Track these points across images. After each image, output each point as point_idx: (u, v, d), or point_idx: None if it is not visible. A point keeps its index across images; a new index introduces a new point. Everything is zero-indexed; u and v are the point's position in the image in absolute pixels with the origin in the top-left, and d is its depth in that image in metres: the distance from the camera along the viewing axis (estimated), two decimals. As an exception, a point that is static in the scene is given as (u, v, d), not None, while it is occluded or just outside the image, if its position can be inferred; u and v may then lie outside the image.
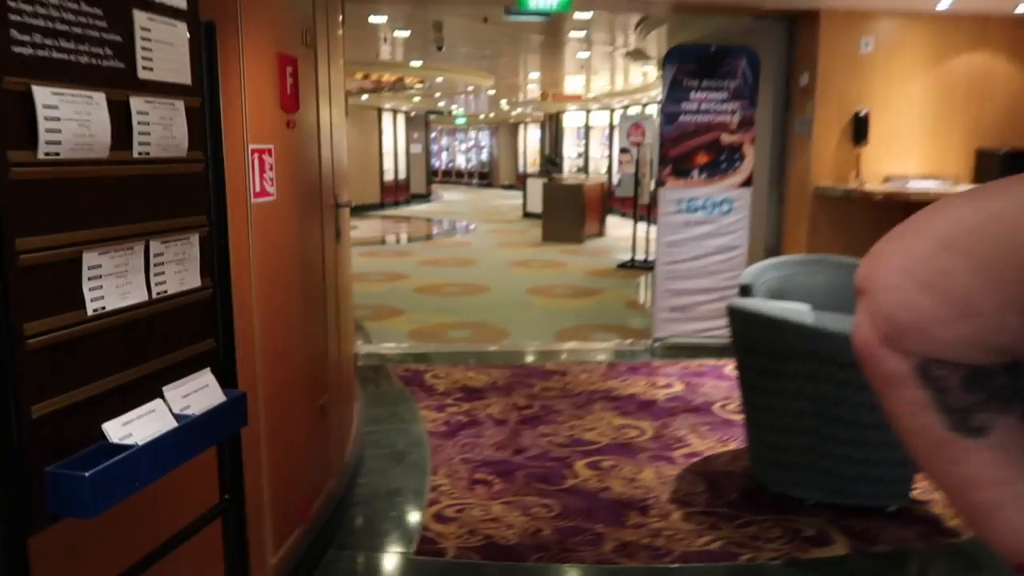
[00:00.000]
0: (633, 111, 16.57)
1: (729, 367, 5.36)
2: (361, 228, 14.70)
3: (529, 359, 5.59)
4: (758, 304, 3.86)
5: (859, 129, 5.34)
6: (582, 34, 9.24)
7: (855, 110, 5.32)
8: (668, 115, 5.52)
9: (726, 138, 5.52)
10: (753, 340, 3.36)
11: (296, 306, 2.75)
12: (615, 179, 17.68)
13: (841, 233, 5.47)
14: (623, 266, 9.96)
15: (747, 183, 5.59)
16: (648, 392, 4.85)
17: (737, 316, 3.45)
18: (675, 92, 5.47)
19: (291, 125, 2.65)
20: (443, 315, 7.05)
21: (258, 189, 2.40)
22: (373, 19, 8.04)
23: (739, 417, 4.37)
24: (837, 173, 5.45)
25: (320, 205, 3.02)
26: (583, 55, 10.80)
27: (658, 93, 15.29)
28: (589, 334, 6.40)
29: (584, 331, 6.49)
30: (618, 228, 14.56)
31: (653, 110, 14.24)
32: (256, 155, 2.38)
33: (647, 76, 13.17)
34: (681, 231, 5.64)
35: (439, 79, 13.27)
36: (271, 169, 2.48)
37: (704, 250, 5.66)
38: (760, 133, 5.64)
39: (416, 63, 11.74)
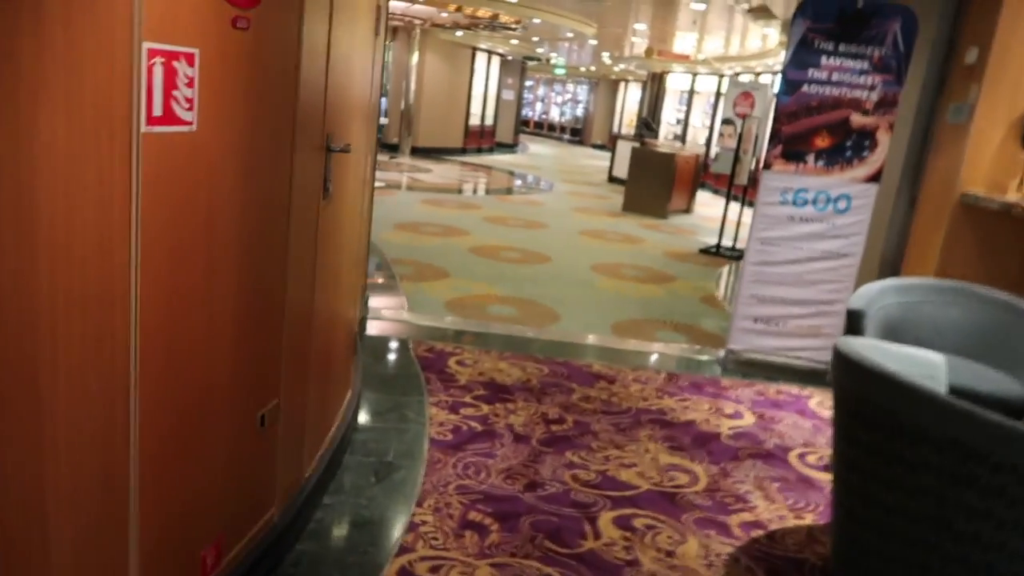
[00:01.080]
0: (744, 79, 15.14)
1: (815, 401, 4.39)
2: (435, 173, 13.98)
3: (574, 355, 4.73)
4: (877, 351, 2.89)
5: (1033, 128, 4.19)
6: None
7: (1032, 103, 4.18)
8: (790, 83, 4.46)
9: (857, 119, 4.44)
10: (866, 404, 2.42)
11: (227, 286, 1.97)
12: (713, 152, 16.36)
13: (986, 256, 4.36)
14: (706, 251, 8.91)
15: (874, 178, 4.52)
16: (710, 421, 3.95)
17: (846, 365, 2.50)
18: (803, 55, 4.40)
19: (241, 25, 1.83)
20: (491, 284, 6.23)
21: (159, 112, 1.60)
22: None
23: (822, 476, 3.44)
24: (993, 179, 4.32)
25: (292, 147, 2.21)
26: (698, 7, 9.60)
27: (776, 62, 13.85)
28: (652, 332, 5.48)
29: (647, 327, 5.57)
30: (708, 206, 13.36)
31: (767, 80, 12.85)
32: (159, 60, 1.57)
33: (766, 40, 11.82)
34: (781, 227, 4.63)
35: (536, 20, 12.23)
36: (189, 85, 1.67)
37: (806, 253, 4.64)
38: (900, 118, 4.53)
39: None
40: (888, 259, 4.96)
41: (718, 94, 16.80)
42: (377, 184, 11.52)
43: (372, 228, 8.03)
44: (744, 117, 9.29)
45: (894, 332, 3.70)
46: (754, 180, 9.26)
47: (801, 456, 3.66)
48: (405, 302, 5.46)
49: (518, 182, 14.49)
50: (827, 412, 4.24)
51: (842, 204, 4.55)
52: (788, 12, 7.83)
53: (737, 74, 15.54)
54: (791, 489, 3.34)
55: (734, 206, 9.21)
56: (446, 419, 3.61)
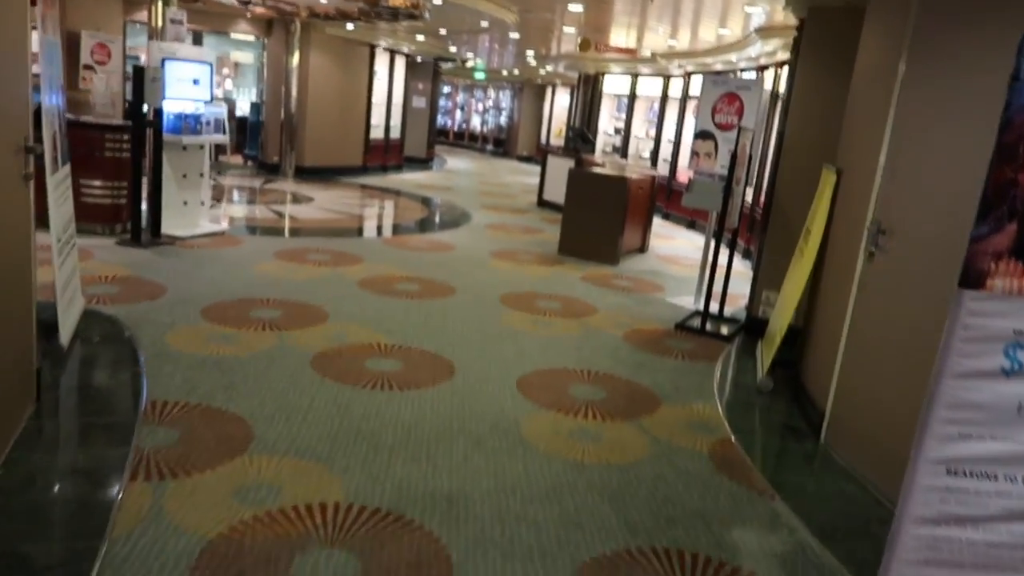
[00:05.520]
0: (698, 81, 12.51)
1: None
2: (316, 202, 10.86)
3: None
4: None
5: None
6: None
7: None
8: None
9: None
10: None
11: None
12: (659, 165, 13.70)
13: None
14: (686, 327, 6.09)
15: None
16: None
17: None
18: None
19: None
20: (330, 459, 3.22)
21: None
22: None
23: None
24: None
25: None
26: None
27: (740, 58, 11.27)
28: (652, 605, 2.56)
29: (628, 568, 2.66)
30: (665, 239, 10.66)
31: (753, 77, 10.19)
32: None
33: (731, 21, 9.16)
34: (1001, 430, 1.78)
35: (438, 1, 9.26)
36: None
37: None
38: None
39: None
40: None
41: (664, 98, 14.16)
42: (215, 228, 8.29)
43: (168, 317, 4.77)
44: (730, 129, 6.54)
45: None
46: (753, 220, 6.54)
47: None
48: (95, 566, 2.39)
49: (424, 212, 11.46)
50: None
51: None
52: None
53: (690, 73, 12.90)
54: None
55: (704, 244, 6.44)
56: None
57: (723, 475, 3.56)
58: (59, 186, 4.07)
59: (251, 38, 14.06)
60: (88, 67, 11.65)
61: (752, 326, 6.10)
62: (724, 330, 6.14)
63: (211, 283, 5.85)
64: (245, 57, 16.60)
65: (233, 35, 14.03)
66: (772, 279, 5.93)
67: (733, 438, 4.03)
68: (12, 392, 3.10)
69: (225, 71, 16.67)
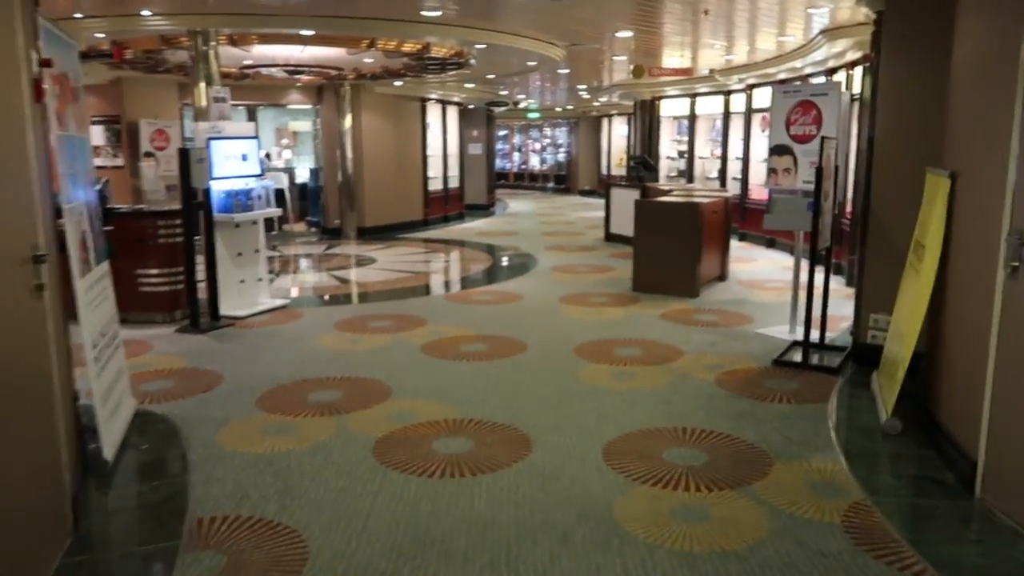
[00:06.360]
0: (762, 93, 11.89)
1: None
2: (380, 262, 10.63)
3: None
4: None
5: None
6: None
7: None
8: None
9: None
10: None
11: None
12: (728, 184, 13.04)
13: None
14: (784, 362, 5.46)
15: None
16: None
17: None
18: None
19: None
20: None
21: None
22: None
23: None
24: None
25: None
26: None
27: (805, 64, 10.64)
28: None
29: None
30: (745, 261, 10.01)
31: (823, 81, 9.50)
32: None
33: (793, 27, 8.56)
34: None
35: (480, 45, 8.98)
36: None
37: None
38: None
39: (432, 12, 7.45)
40: None
41: (726, 114, 13.53)
42: (274, 303, 8.07)
43: (221, 411, 4.40)
44: (809, 140, 5.94)
45: None
46: (840, 235, 5.90)
47: None
48: None
49: (488, 262, 11.09)
50: None
51: None
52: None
53: (752, 86, 12.28)
54: None
55: (797, 269, 5.79)
56: None
57: (865, 553, 2.94)
58: (92, 288, 3.82)
59: (305, 106, 14.17)
60: (149, 154, 11.87)
61: (861, 354, 5.43)
62: (829, 361, 5.47)
63: (268, 365, 5.55)
64: (302, 125, 16.81)
65: (288, 105, 14.19)
66: (879, 299, 5.27)
67: (868, 500, 3.39)
68: (41, 530, 2.76)
69: (284, 141, 16.91)
